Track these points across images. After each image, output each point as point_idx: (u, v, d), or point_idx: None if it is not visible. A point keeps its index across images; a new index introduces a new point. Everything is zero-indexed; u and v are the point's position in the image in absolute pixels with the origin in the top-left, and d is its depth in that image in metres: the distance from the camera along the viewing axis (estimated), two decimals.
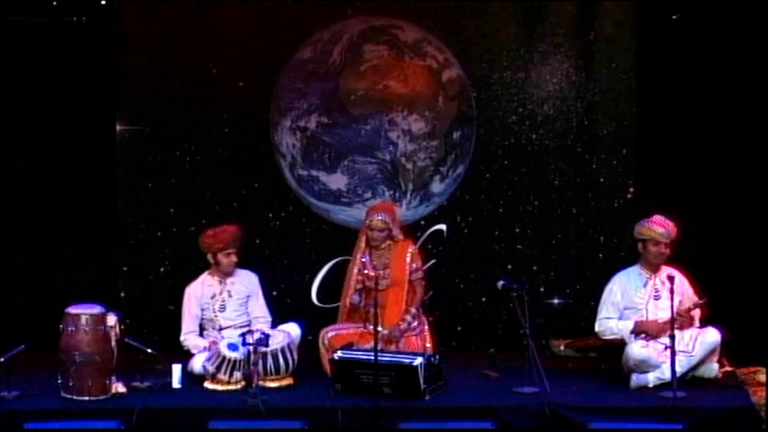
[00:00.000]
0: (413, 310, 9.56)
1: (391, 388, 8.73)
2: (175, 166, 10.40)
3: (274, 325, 9.48)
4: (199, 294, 9.51)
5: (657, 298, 9.22)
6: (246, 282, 9.56)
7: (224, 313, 9.47)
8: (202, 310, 9.51)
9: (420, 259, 9.73)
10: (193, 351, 9.36)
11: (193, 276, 9.87)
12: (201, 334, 9.54)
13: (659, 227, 9.20)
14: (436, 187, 10.48)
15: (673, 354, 8.67)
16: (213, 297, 9.49)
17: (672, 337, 8.69)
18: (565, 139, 10.46)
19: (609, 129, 10.44)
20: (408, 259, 9.62)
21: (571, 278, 10.51)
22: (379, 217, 9.57)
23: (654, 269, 9.28)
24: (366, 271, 9.49)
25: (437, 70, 10.40)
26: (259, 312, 9.56)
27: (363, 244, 9.63)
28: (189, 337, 9.49)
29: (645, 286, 9.30)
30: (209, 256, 9.49)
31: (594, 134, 10.46)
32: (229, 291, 9.50)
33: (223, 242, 9.41)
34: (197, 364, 9.22)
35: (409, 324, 9.49)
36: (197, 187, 10.41)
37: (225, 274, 9.50)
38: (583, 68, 10.42)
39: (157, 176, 10.40)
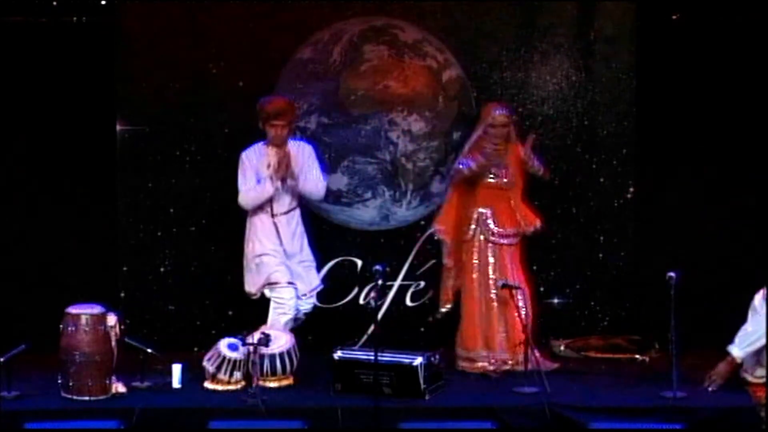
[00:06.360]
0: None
1: (391, 388, 8.73)
2: (175, 166, 10.39)
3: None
4: (254, 160, 9.37)
5: None
6: (297, 152, 9.37)
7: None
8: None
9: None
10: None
11: (193, 276, 9.87)
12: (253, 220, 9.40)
13: None
14: (436, 187, 10.46)
15: (673, 354, 8.67)
16: (268, 167, 9.33)
17: (672, 337, 8.68)
18: (565, 139, 10.46)
19: (609, 129, 10.44)
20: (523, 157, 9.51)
21: (571, 278, 10.50)
22: (502, 111, 9.48)
23: None
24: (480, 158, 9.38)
25: (437, 70, 10.40)
26: (314, 183, 9.39)
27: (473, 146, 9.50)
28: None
29: None
30: (260, 125, 9.36)
31: (594, 134, 10.45)
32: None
33: (266, 113, 9.29)
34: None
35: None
36: (197, 187, 10.40)
37: (275, 145, 9.34)
38: (583, 68, 10.41)
39: (157, 176, 10.38)
